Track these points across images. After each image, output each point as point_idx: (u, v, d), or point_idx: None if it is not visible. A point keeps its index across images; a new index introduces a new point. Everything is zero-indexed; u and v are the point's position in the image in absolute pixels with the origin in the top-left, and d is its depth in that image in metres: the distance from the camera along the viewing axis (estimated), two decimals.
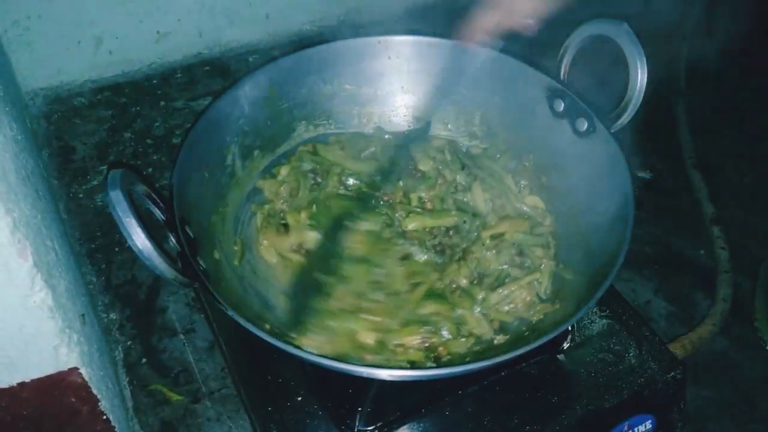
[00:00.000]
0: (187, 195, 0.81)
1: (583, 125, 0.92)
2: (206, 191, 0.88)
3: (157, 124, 1.38)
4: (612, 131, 0.89)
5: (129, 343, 1.06)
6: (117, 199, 0.64)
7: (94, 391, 0.76)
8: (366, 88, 1.07)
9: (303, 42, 1.01)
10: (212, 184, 0.90)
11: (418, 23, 1.56)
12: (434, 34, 1.04)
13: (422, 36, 1.04)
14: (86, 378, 0.73)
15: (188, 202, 0.81)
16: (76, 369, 0.71)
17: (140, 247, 0.65)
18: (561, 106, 0.96)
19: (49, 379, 0.70)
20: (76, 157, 1.31)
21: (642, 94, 0.87)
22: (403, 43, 1.04)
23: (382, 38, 1.03)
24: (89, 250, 1.17)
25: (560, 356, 0.88)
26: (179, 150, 0.82)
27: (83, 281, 1.03)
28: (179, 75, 1.48)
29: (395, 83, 1.08)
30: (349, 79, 1.05)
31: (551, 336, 0.69)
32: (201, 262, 0.75)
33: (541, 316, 0.85)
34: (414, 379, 0.73)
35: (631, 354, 0.89)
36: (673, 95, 1.56)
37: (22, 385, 0.70)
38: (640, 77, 0.86)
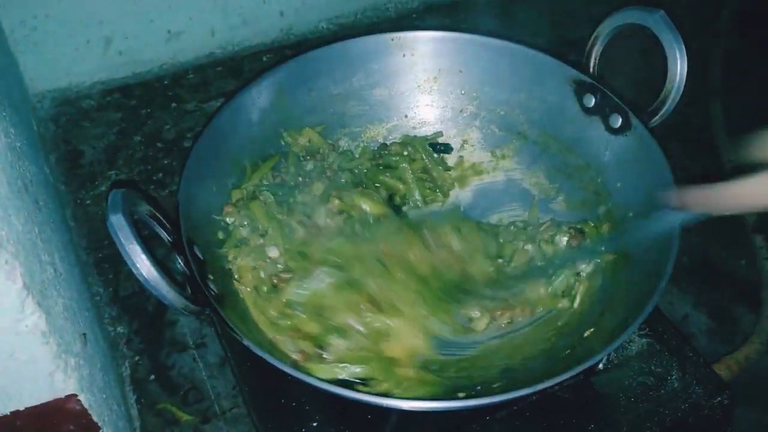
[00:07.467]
0: (194, 213, 0.76)
1: (618, 121, 0.87)
2: (213, 206, 0.83)
3: (168, 126, 1.34)
4: (650, 127, 0.83)
5: (137, 358, 1.01)
6: (119, 224, 0.60)
7: (95, 419, 0.71)
8: (380, 89, 1.02)
9: (319, 41, 0.95)
10: (219, 199, 0.85)
11: (438, 20, 1.52)
12: (451, 30, 0.98)
13: (437, 31, 0.98)
14: (86, 405, 0.69)
15: (196, 221, 0.75)
16: (74, 396, 0.67)
17: (146, 276, 0.61)
18: (592, 101, 0.90)
19: (45, 407, 0.66)
20: (84, 162, 1.27)
21: (682, 87, 0.81)
22: (418, 40, 0.98)
23: (395, 35, 0.97)
24: (96, 260, 1.12)
25: (595, 379, 0.82)
26: (183, 165, 0.77)
27: (89, 293, 0.99)
28: (191, 76, 1.43)
29: (411, 82, 1.02)
30: (361, 80, 1.00)
31: (582, 368, 0.65)
32: (212, 286, 0.70)
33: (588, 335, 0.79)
34: (438, 410, 0.67)
35: (674, 377, 0.83)
36: (708, 94, 1.48)
37: (15, 413, 0.65)
38: (679, 68, 0.80)
